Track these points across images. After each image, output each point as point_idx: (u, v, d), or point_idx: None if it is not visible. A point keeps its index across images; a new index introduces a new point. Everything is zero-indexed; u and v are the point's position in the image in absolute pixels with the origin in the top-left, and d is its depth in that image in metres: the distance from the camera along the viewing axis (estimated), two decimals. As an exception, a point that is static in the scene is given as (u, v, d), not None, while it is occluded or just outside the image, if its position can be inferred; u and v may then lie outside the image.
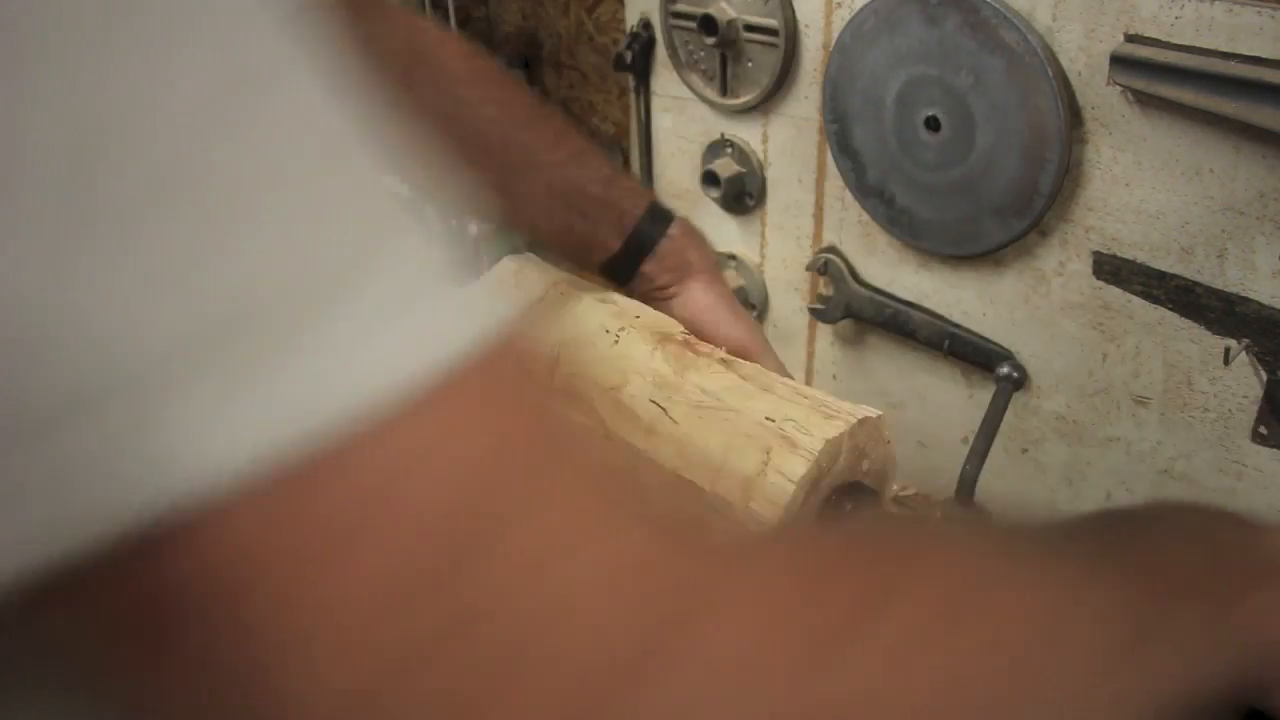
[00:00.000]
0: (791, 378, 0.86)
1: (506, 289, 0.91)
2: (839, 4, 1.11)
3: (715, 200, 1.34)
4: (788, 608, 0.30)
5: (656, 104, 1.39)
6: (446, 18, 1.28)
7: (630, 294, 0.89)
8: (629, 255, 0.87)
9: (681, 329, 0.84)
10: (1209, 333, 0.94)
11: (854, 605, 0.32)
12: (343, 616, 0.24)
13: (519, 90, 0.94)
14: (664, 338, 0.81)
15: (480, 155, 0.82)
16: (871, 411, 0.76)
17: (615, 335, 0.82)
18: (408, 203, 0.28)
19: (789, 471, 0.69)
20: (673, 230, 0.88)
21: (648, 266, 0.87)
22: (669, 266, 0.88)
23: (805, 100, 1.21)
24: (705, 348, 0.82)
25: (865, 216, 1.19)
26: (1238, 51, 0.83)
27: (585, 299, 0.86)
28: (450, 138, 0.79)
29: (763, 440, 0.71)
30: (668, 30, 1.31)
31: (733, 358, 0.82)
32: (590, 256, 0.88)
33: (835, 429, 0.71)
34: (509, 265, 0.94)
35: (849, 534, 0.44)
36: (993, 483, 1.18)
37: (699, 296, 0.88)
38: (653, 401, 0.77)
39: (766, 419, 0.73)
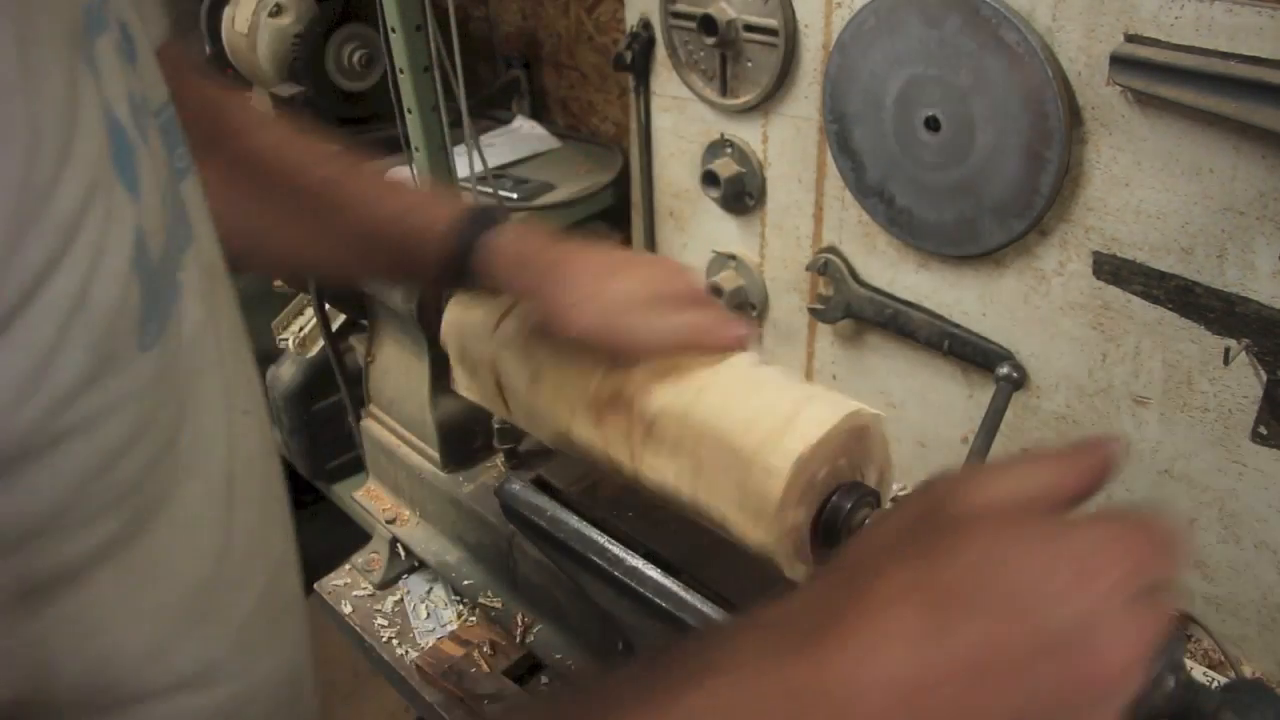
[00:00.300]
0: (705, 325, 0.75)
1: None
2: (839, 4, 1.11)
3: (715, 200, 1.34)
4: None
5: (656, 104, 1.39)
6: (447, 18, 1.28)
7: (502, 298, 0.82)
8: (455, 260, 0.78)
9: None
10: (1209, 333, 0.94)
11: None
12: None
13: (308, 136, 0.89)
14: None
15: (292, 204, 0.78)
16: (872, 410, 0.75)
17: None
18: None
19: (806, 431, 0.68)
20: (501, 231, 0.79)
21: (483, 266, 0.78)
22: (509, 262, 0.77)
23: (805, 100, 1.21)
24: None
25: (865, 216, 1.19)
26: (1238, 51, 0.83)
27: None
28: (276, 203, 0.78)
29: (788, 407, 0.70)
30: (668, 30, 1.31)
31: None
32: (423, 272, 0.81)
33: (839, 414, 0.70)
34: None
35: None
36: (993, 483, 1.18)
37: (577, 276, 0.75)
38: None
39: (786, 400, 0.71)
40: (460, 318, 0.86)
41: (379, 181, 0.84)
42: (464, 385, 0.90)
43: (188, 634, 0.46)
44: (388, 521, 1.18)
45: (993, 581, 0.40)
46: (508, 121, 1.94)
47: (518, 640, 1.03)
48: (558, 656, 1.00)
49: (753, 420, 0.70)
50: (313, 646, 0.60)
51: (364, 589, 1.18)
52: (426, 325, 1.04)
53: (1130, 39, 0.89)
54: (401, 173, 1.60)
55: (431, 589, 1.17)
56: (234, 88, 0.81)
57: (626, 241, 1.64)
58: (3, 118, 0.33)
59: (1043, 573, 0.40)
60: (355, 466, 1.85)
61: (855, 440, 0.75)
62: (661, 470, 0.73)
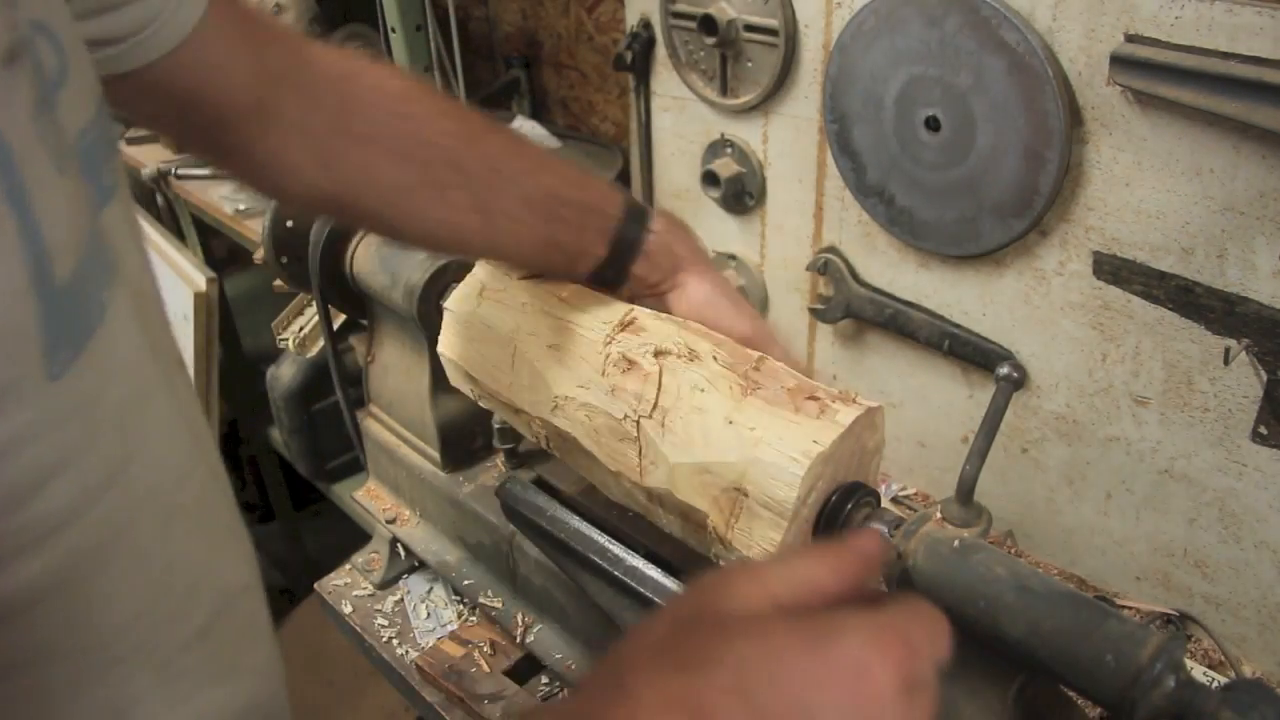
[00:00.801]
0: (801, 364, 0.82)
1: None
2: (839, 4, 1.11)
3: (715, 200, 1.34)
4: None
5: (656, 104, 1.39)
6: (447, 18, 1.28)
7: (622, 296, 0.85)
8: (617, 258, 0.82)
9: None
10: (1209, 333, 0.94)
11: None
12: None
13: (459, 102, 0.87)
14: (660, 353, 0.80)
15: (446, 174, 0.76)
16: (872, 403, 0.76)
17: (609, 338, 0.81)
18: None
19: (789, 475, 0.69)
20: (655, 225, 0.83)
21: (638, 268, 0.83)
22: (658, 264, 0.83)
23: (805, 100, 1.21)
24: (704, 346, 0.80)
25: (865, 216, 1.19)
26: (1238, 51, 0.83)
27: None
28: (411, 161, 0.74)
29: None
30: (668, 30, 1.31)
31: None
32: (577, 266, 0.83)
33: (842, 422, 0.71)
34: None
35: None
36: (993, 483, 1.18)
37: (694, 291, 0.83)
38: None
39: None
40: (491, 269, 0.89)
41: (542, 157, 0.82)
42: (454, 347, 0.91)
43: (107, 671, 0.44)
44: (388, 521, 1.18)
45: (760, 698, 0.39)
46: (508, 121, 1.94)
47: (518, 640, 1.03)
48: (558, 656, 1.00)
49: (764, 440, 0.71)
50: (284, 674, 0.57)
51: (364, 589, 1.18)
52: (427, 322, 1.04)
53: (1130, 39, 0.89)
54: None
55: (431, 589, 1.17)
56: (359, 52, 0.77)
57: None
58: None
59: (811, 686, 0.40)
60: (355, 466, 1.85)
61: (859, 441, 0.75)
62: (661, 480, 0.74)
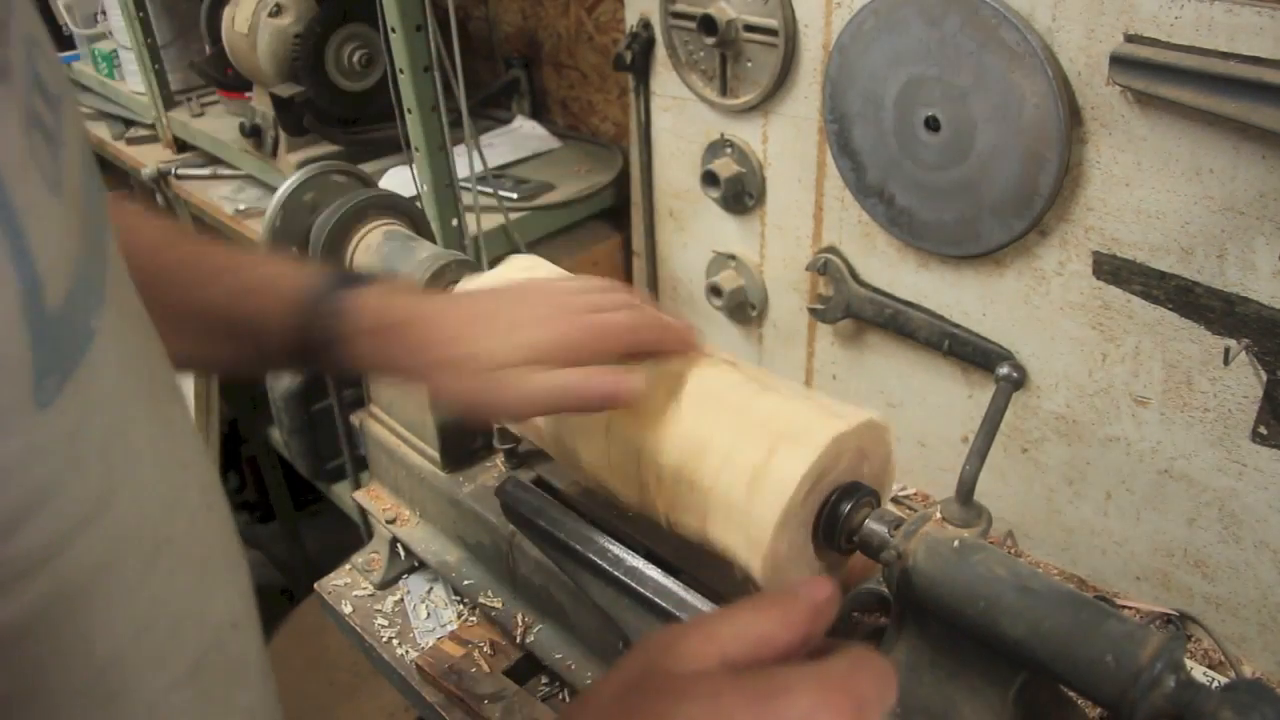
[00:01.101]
0: (666, 321, 0.75)
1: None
2: (839, 4, 1.11)
3: (715, 200, 1.34)
4: None
5: (656, 104, 1.39)
6: (447, 18, 1.28)
7: (353, 380, 0.76)
8: (310, 331, 0.69)
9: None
10: (1209, 333, 0.94)
11: None
12: None
13: (149, 216, 0.77)
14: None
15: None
16: (876, 414, 0.76)
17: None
18: None
19: (791, 468, 0.70)
20: (360, 290, 0.71)
21: (332, 330, 0.69)
22: (367, 327, 0.69)
23: (805, 100, 1.21)
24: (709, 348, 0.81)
25: (865, 216, 1.19)
26: (1238, 51, 0.83)
27: None
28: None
29: (768, 436, 0.72)
30: (667, 30, 1.31)
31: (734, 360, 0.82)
32: (265, 346, 0.72)
33: (841, 426, 0.71)
34: (519, 261, 0.95)
35: None
36: (993, 483, 1.18)
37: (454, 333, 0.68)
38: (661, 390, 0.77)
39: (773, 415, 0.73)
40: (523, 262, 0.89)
41: (229, 255, 0.75)
42: None
43: (92, 713, 0.42)
44: (388, 521, 1.18)
45: None
46: (508, 121, 1.94)
47: (518, 640, 1.03)
48: (558, 656, 1.00)
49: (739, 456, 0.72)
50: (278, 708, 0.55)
51: (364, 589, 1.18)
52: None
53: (1130, 39, 0.89)
54: (401, 173, 1.60)
55: (431, 589, 1.17)
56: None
57: (626, 241, 1.64)
58: None
59: None
60: (356, 466, 1.85)
61: (864, 447, 0.76)
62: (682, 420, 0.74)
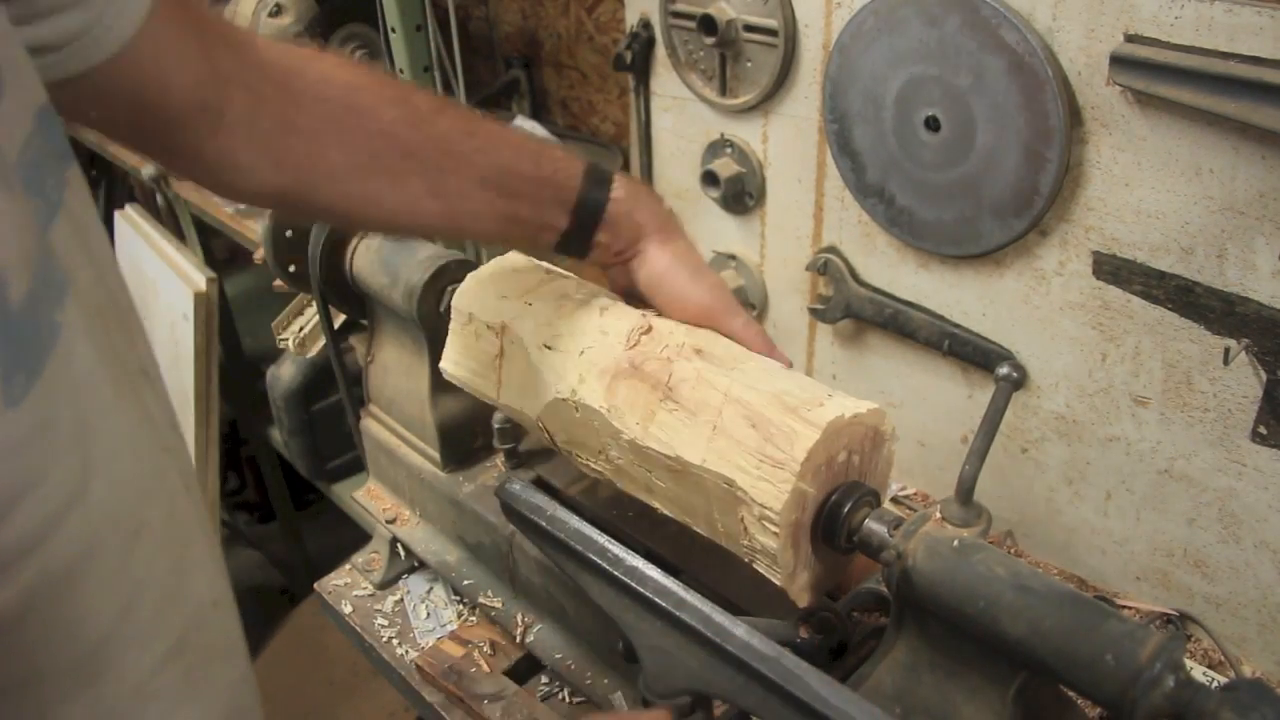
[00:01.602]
0: (764, 339, 0.84)
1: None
2: (839, 4, 1.11)
3: (715, 200, 1.34)
4: None
5: (656, 104, 1.39)
6: (447, 18, 1.28)
7: (588, 265, 0.86)
8: (580, 230, 0.83)
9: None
10: (1209, 333, 0.94)
11: None
12: None
13: (409, 85, 0.84)
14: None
15: (398, 162, 0.76)
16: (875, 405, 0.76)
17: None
18: None
19: (794, 453, 0.69)
20: (616, 192, 0.83)
21: (601, 236, 0.83)
22: (621, 233, 0.83)
23: (805, 100, 1.21)
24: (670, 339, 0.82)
25: (865, 216, 1.19)
26: (1238, 51, 0.83)
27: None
28: (361, 152, 0.74)
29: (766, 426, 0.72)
30: (667, 30, 1.31)
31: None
32: (540, 239, 0.84)
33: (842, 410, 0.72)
34: (517, 258, 0.96)
35: None
36: (993, 483, 1.18)
37: (654, 260, 0.84)
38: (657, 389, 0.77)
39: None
40: (481, 284, 0.92)
41: (496, 133, 0.82)
42: (453, 359, 0.93)
43: (80, 695, 0.44)
44: (388, 521, 1.18)
45: None
46: (508, 121, 1.94)
47: (518, 640, 1.03)
48: (558, 656, 1.00)
49: (786, 392, 0.74)
50: (256, 688, 0.57)
51: (364, 589, 1.18)
52: (427, 323, 1.04)
53: (1130, 39, 0.89)
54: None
55: (431, 589, 1.17)
56: (307, 45, 0.77)
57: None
58: None
59: None
60: (355, 466, 1.85)
61: (870, 441, 0.76)
62: (671, 435, 0.76)
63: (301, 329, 1.65)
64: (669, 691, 0.70)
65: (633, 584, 0.72)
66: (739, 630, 0.66)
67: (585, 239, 0.83)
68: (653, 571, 0.72)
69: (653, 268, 0.84)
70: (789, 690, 0.62)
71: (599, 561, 0.75)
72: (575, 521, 0.78)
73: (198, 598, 0.52)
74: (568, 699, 1.01)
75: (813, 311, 1.29)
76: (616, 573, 0.73)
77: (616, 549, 0.75)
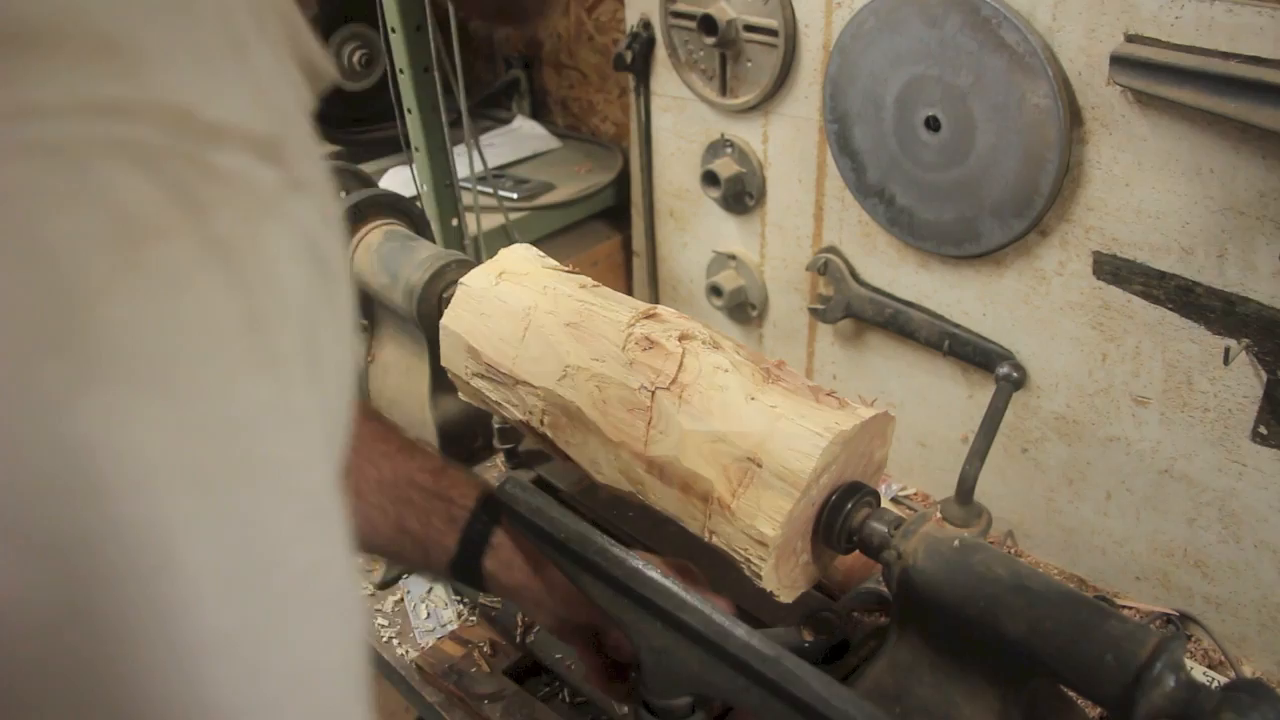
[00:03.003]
0: None
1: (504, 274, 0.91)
2: (839, 4, 1.11)
3: (715, 200, 1.34)
4: None
5: (656, 104, 1.39)
6: (447, 18, 1.28)
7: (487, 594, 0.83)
8: (467, 554, 0.79)
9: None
10: (1209, 333, 0.94)
11: None
12: None
13: None
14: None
15: None
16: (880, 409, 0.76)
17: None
18: None
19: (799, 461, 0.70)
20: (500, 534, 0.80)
21: (489, 564, 0.79)
22: (508, 561, 0.79)
23: (805, 100, 1.21)
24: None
25: (865, 216, 1.19)
26: (1238, 51, 0.83)
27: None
28: None
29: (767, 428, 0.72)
30: (668, 30, 1.31)
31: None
32: (430, 557, 0.80)
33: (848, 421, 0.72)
34: (516, 252, 0.95)
35: None
36: (993, 483, 1.18)
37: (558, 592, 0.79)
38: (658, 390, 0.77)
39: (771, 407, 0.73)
40: (522, 252, 0.93)
41: (405, 443, 0.81)
42: (462, 316, 0.92)
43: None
44: (388, 521, 1.18)
45: None
46: (508, 121, 1.94)
47: (518, 640, 1.03)
48: (558, 656, 1.00)
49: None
50: None
51: (364, 589, 1.18)
52: (427, 322, 1.04)
53: (1130, 39, 0.89)
54: (401, 173, 1.60)
55: (431, 589, 1.17)
56: None
57: (626, 241, 1.64)
58: None
59: None
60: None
61: (878, 439, 0.76)
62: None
63: (301, 329, 1.65)
64: (668, 693, 0.69)
65: (633, 585, 0.72)
66: (739, 631, 0.65)
67: (474, 565, 0.80)
68: (653, 573, 0.72)
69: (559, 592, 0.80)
70: (790, 691, 0.62)
71: (599, 562, 0.74)
72: (574, 522, 0.78)
73: None
74: (568, 699, 1.01)
75: (813, 311, 1.29)
76: (617, 574, 0.73)
77: (617, 550, 0.75)
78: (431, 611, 1.14)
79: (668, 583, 0.71)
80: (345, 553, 0.32)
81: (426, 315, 1.03)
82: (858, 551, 0.75)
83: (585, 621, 0.79)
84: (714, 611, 0.68)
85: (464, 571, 0.80)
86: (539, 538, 0.80)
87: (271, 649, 0.28)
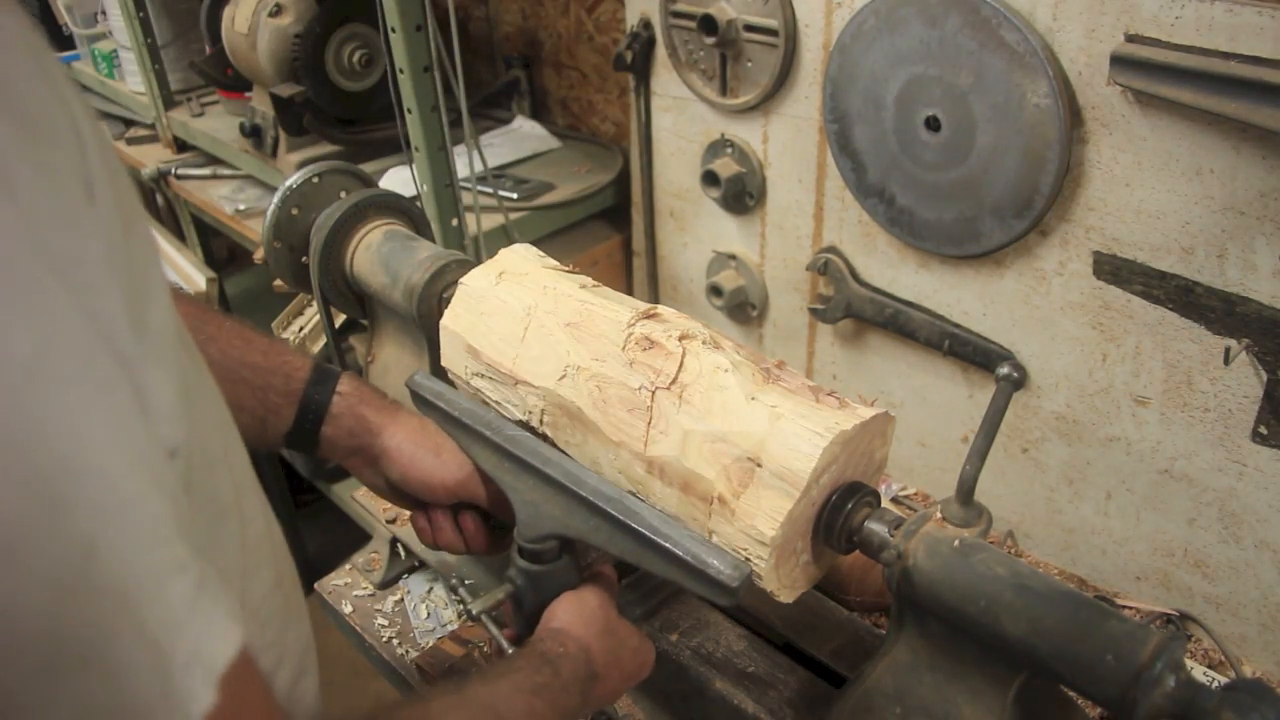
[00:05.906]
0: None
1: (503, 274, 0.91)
2: (839, 4, 1.11)
3: (715, 200, 1.34)
4: None
5: (656, 104, 1.39)
6: (447, 18, 1.28)
7: (325, 462, 0.88)
8: (303, 422, 0.84)
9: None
10: (1209, 333, 0.94)
11: None
12: None
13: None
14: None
15: None
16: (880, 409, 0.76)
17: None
18: None
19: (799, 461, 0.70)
20: (342, 386, 0.86)
21: (328, 430, 0.85)
22: (345, 426, 0.85)
23: (805, 100, 1.21)
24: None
25: (865, 216, 1.19)
26: (1238, 51, 0.83)
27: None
28: None
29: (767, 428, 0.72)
30: (668, 30, 1.31)
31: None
32: (267, 432, 0.84)
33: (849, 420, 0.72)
34: (516, 251, 0.95)
35: None
36: (993, 483, 1.18)
37: (395, 454, 0.86)
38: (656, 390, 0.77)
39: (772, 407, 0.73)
40: (523, 252, 0.95)
41: (230, 325, 0.84)
42: (464, 313, 0.93)
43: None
44: (388, 521, 1.18)
45: None
46: (508, 121, 1.94)
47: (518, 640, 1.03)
48: (558, 656, 1.00)
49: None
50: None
51: (364, 589, 1.18)
52: (427, 322, 1.04)
53: (1130, 39, 0.89)
54: (401, 173, 1.60)
55: (431, 589, 1.17)
56: None
57: (626, 241, 1.64)
58: None
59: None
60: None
61: (878, 438, 0.76)
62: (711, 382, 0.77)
63: (302, 329, 1.65)
64: (538, 537, 0.79)
65: (510, 448, 0.81)
66: (590, 479, 0.77)
67: (312, 432, 0.85)
68: (525, 436, 0.82)
69: (395, 461, 0.86)
70: (629, 524, 0.73)
71: (485, 432, 0.83)
72: (467, 402, 0.86)
73: (275, 536, 0.60)
74: (568, 699, 1.00)
75: (813, 311, 1.29)
76: (497, 439, 0.82)
77: (500, 421, 0.84)
78: (431, 611, 1.14)
79: (539, 446, 0.81)
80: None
81: (426, 315, 1.03)
82: (858, 551, 0.75)
83: (474, 495, 0.87)
84: (573, 465, 0.79)
85: (300, 439, 0.85)
86: (441, 419, 0.88)
87: None
